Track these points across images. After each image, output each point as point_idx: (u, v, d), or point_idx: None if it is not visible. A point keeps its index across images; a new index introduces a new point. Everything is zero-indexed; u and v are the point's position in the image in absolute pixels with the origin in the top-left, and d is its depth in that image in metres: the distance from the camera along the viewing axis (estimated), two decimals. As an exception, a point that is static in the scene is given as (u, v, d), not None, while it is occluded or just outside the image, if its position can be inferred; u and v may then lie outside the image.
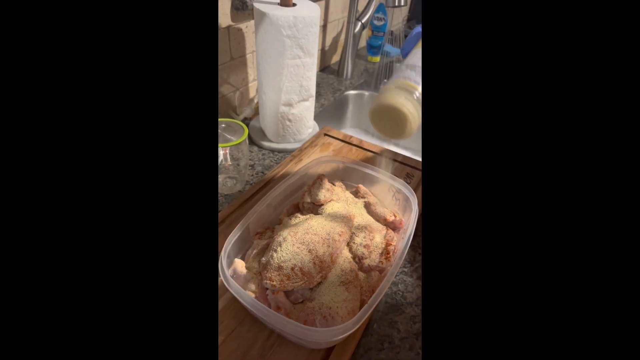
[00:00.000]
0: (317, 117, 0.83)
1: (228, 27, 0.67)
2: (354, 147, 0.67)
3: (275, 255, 0.36)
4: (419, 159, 0.66)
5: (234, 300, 0.40)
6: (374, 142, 0.69)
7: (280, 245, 0.37)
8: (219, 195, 0.57)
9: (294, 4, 0.59)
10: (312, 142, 0.67)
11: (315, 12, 0.57)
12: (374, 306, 0.34)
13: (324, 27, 0.98)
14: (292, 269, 0.35)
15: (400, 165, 0.63)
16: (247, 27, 0.71)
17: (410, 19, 1.53)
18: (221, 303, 0.40)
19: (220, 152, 0.56)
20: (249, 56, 0.75)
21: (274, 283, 0.35)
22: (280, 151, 0.68)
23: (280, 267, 0.35)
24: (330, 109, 0.89)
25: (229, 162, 0.59)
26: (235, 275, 0.39)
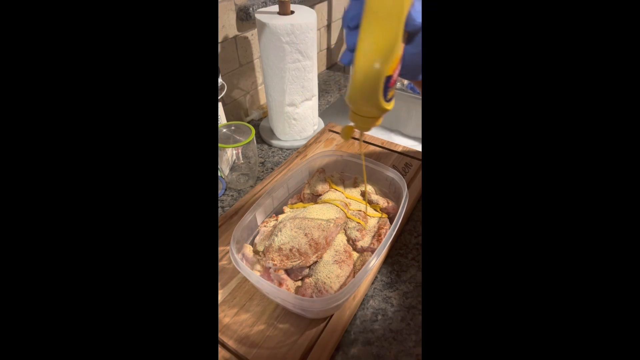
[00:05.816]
0: (324, 114, 0.87)
1: (235, 37, 0.73)
2: (356, 142, 0.71)
3: (276, 239, 0.42)
4: (418, 149, 0.70)
5: (244, 280, 0.46)
6: (375, 136, 0.73)
7: (281, 231, 0.42)
8: (233, 190, 0.64)
9: (292, 12, 0.64)
10: (316, 139, 0.72)
11: (311, 18, 0.62)
12: (363, 279, 0.38)
13: (328, 27, 1.03)
14: (291, 250, 0.41)
15: (400, 155, 0.67)
16: (252, 35, 0.77)
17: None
18: (234, 282, 0.46)
19: (233, 152, 0.63)
20: (256, 61, 0.81)
21: (275, 262, 0.41)
22: (288, 148, 0.74)
23: (280, 249, 0.41)
24: (336, 105, 0.93)
25: (241, 160, 0.65)
26: (244, 258, 0.45)
